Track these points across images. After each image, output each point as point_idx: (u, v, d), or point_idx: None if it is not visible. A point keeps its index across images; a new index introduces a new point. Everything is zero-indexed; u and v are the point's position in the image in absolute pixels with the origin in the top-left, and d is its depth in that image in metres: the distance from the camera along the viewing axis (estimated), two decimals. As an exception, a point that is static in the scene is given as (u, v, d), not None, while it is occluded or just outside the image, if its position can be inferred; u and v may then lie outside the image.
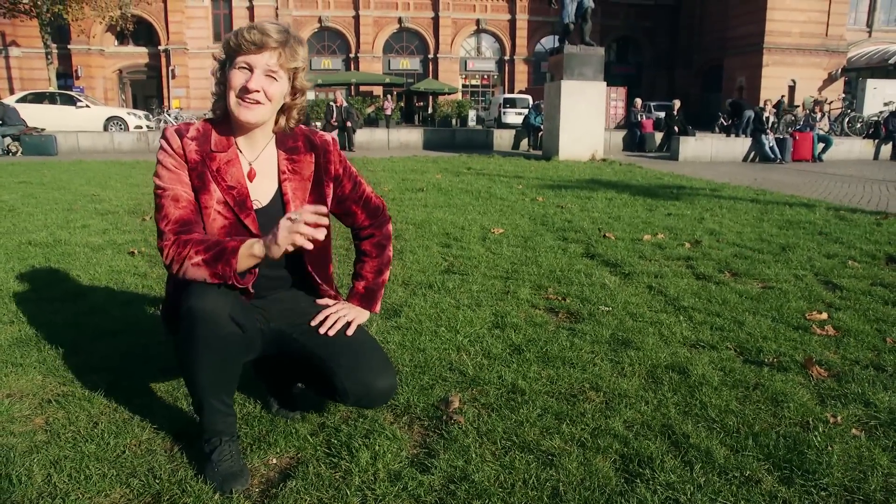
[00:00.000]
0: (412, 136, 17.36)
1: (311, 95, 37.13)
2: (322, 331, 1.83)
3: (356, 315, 1.91)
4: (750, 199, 7.40)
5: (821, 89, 37.46)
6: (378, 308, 2.04)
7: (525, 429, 2.01)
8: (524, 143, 17.35)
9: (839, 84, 37.79)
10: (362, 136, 17.04)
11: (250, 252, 1.57)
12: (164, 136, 1.73)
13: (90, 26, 35.99)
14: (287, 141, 1.84)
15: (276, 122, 1.80)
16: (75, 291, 3.50)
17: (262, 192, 1.79)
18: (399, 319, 3.00)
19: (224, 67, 1.70)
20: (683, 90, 45.10)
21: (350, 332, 1.85)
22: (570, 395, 2.26)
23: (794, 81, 36.97)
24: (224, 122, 1.75)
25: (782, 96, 15.68)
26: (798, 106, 26.32)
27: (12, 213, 6.18)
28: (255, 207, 1.77)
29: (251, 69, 1.64)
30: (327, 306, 1.91)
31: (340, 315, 1.88)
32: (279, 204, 1.80)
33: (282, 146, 1.83)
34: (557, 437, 1.96)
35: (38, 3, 23.76)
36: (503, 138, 17.74)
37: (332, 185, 1.90)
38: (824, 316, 3.10)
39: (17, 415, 2.10)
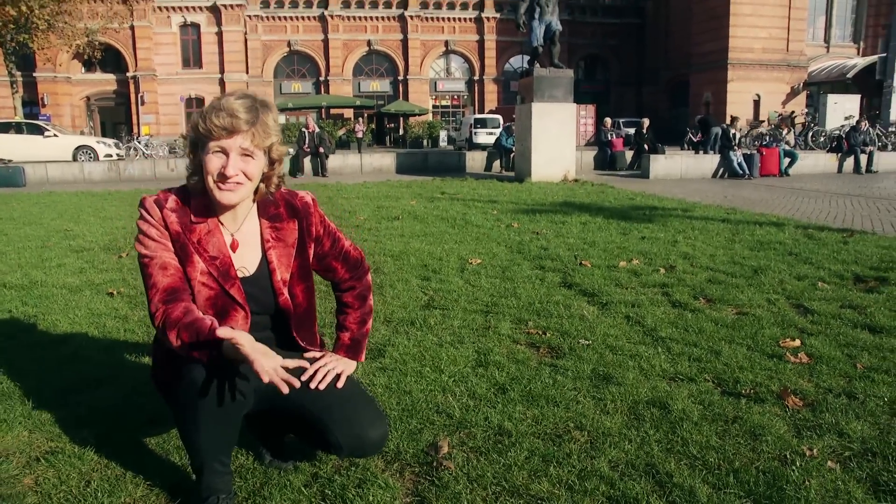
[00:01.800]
0: (385, 160, 17.45)
1: (281, 119, 37.10)
2: (313, 385, 1.84)
3: (344, 367, 1.93)
4: (721, 219, 7.58)
5: (784, 103, 38.52)
6: (363, 357, 2.07)
7: (513, 472, 2.06)
8: (496, 164, 17.53)
9: (802, 98, 38.92)
10: (335, 161, 17.09)
11: (233, 354, 1.57)
12: (143, 207, 1.73)
13: (56, 54, 35.65)
14: (269, 208, 1.85)
15: (256, 191, 1.80)
16: (55, 337, 3.48)
17: (247, 261, 1.81)
18: (384, 360, 3.03)
19: (196, 148, 1.70)
20: (651, 106, 45.99)
21: (340, 384, 1.87)
22: (556, 436, 2.31)
23: (758, 96, 37.98)
24: (203, 196, 1.74)
25: (733, 118, 15.99)
26: (763, 121, 26.93)
27: (-17, 253, 6.09)
28: (241, 276, 1.79)
29: (226, 153, 1.64)
30: (315, 360, 1.94)
31: (329, 368, 1.89)
32: (265, 272, 1.83)
33: (264, 214, 1.84)
34: (545, 480, 2.01)
35: (2, 32, 23.44)
36: (475, 160, 17.91)
37: (312, 245, 1.93)
38: (797, 343, 3.20)
39: (4, 476, 2.09)
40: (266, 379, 1.50)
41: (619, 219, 7.64)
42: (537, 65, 13.93)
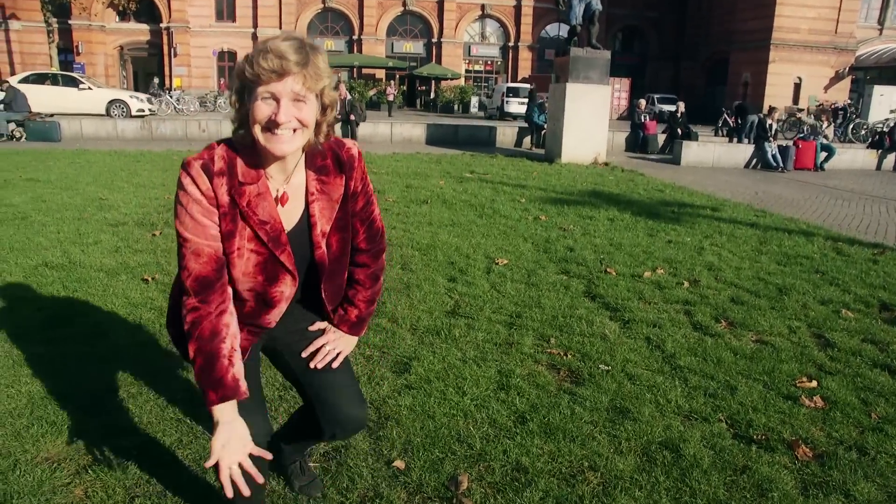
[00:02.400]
0: (415, 130, 17.42)
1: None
2: (312, 364, 1.91)
3: (345, 346, 1.97)
4: (749, 224, 7.53)
5: (826, 88, 37.47)
6: (364, 332, 2.09)
7: (528, 515, 2.17)
8: (527, 140, 17.42)
9: (846, 83, 37.77)
10: (365, 129, 17.09)
11: (217, 417, 1.61)
12: (188, 174, 1.58)
13: (91, 2, 35.72)
14: (316, 159, 1.73)
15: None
16: (95, 330, 3.64)
17: (291, 216, 1.72)
18: (409, 377, 3.14)
19: (242, 96, 1.57)
20: (688, 83, 45.10)
21: (336, 364, 1.94)
22: (570, 475, 2.41)
23: (799, 79, 36.96)
24: (251, 149, 1.62)
25: (771, 108, 15.68)
26: (803, 109, 26.23)
27: (25, 222, 6.29)
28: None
29: (276, 99, 1.52)
30: (321, 333, 1.97)
31: (331, 348, 1.94)
32: (306, 225, 1.75)
33: (311, 166, 1.73)
34: (558, 526, 2.12)
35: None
36: (506, 135, 17.81)
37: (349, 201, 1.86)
38: (814, 384, 3.25)
39: (57, 484, 2.25)
40: (220, 474, 1.56)
41: (647, 216, 7.63)
42: (574, 44, 13.72)
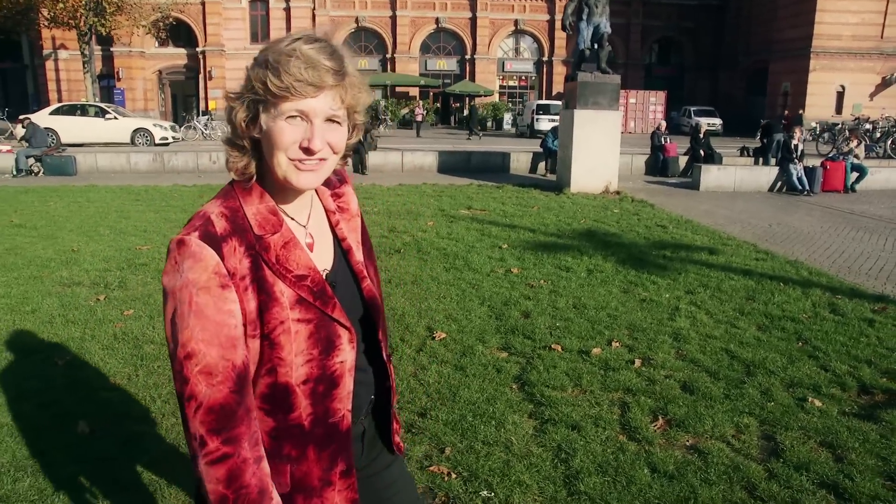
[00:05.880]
0: (427, 158, 17.09)
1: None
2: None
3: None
4: (744, 271, 6.95)
5: (873, 95, 35.89)
6: None
7: None
8: (542, 166, 16.93)
9: (894, 90, 36.04)
10: (376, 157, 16.86)
11: None
12: (185, 258, 1.13)
13: (131, 30, 36.79)
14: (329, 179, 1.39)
15: None
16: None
17: (324, 255, 1.33)
18: None
19: (253, 113, 1.18)
20: (727, 93, 43.91)
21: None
22: None
23: (842, 87, 35.48)
24: (257, 189, 1.24)
25: (800, 111, 14.82)
26: (837, 125, 25.02)
27: (-22, 281, 6.21)
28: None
29: (308, 118, 1.16)
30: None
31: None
32: (342, 256, 1.37)
33: (325, 183, 1.38)
34: None
35: (77, 16, 24.31)
36: (520, 161, 17.34)
37: None
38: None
39: None
40: None
41: (632, 264, 7.11)
42: (582, 69, 13.25)
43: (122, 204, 11.16)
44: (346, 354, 1.27)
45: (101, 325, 5.09)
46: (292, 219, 1.27)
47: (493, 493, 2.94)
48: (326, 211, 1.37)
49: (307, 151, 1.16)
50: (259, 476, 1.15)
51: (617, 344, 4.79)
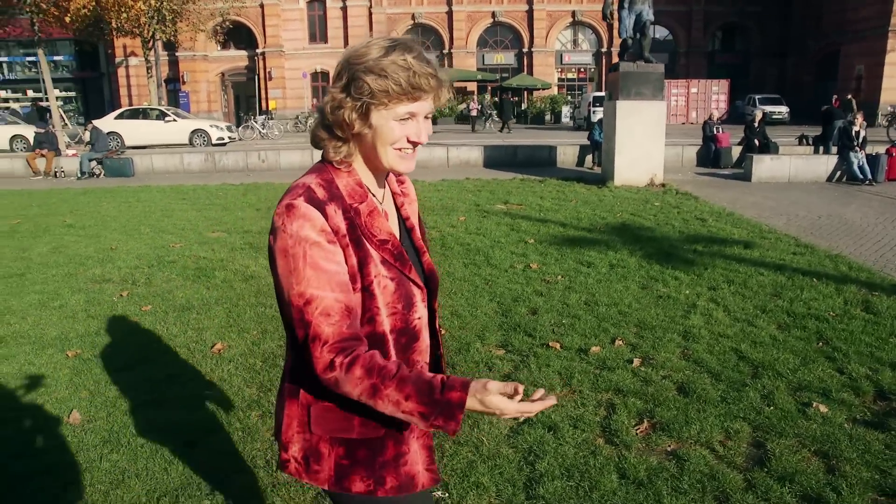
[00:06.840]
0: (472, 153, 17.00)
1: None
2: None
3: None
4: (777, 266, 6.61)
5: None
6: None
7: None
8: (589, 158, 16.60)
9: (980, 70, 33.58)
10: (422, 152, 16.84)
11: (472, 405, 1.28)
12: (296, 217, 1.30)
13: (194, 35, 38.06)
14: None
15: None
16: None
17: (393, 229, 1.52)
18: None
19: (363, 111, 1.34)
20: (795, 80, 41.96)
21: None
22: None
23: (923, 69, 33.26)
24: (347, 168, 1.43)
25: (849, 96, 13.91)
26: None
27: (21, 279, 6.62)
28: None
29: (414, 117, 1.37)
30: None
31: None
32: (405, 231, 1.56)
33: None
34: None
35: (140, 24, 25.34)
36: (567, 154, 17.05)
37: None
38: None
39: None
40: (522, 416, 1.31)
41: (658, 259, 6.88)
42: (624, 59, 12.90)
43: (169, 203, 11.57)
44: (422, 311, 1.49)
45: (117, 320, 5.29)
46: (373, 195, 1.46)
47: (447, 494, 2.89)
48: (394, 194, 1.57)
49: (414, 144, 1.38)
50: (373, 355, 1.30)
51: (620, 342, 4.64)
